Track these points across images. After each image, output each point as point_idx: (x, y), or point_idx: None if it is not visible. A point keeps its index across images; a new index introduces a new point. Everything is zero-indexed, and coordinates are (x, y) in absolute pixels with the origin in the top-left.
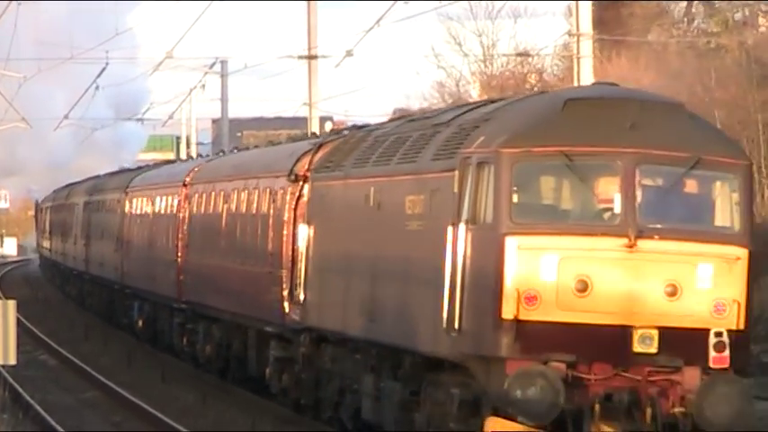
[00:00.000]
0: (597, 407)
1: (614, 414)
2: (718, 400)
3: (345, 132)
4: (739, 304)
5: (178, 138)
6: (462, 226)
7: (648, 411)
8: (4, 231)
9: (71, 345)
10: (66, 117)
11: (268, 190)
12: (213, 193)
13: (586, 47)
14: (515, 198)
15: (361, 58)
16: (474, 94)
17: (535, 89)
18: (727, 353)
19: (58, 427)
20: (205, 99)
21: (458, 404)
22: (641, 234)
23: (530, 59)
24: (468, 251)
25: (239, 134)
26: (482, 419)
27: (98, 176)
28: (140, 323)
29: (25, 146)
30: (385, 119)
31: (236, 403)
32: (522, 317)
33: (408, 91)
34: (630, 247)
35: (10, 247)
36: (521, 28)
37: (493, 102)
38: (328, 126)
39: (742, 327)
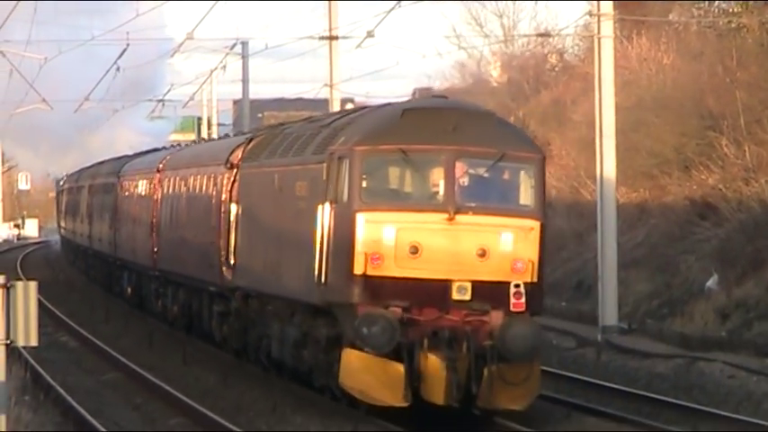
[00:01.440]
0: (426, 340)
1: (439, 346)
2: (515, 335)
3: (266, 130)
4: (533, 263)
5: (199, 119)
6: (327, 204)
7: (465, 344)
8: (25, 213)
9: (92, 326)
10: (86, 99)
11: (213, 176)
12: (177, 178)
13: (607, 27)
14: (364, 184)
15: (382, 39)
16: (495, 74)
17: (556, 69)
18: (523, 300)
19: (80, 409)
20: (226, 80)
21: (325, 340)
22: (459, 210)
23: (550, 40)
24: (331, 223)
25: (260, 115)
26: (340, 351)
27: (102, 162)
28: (129, 290)
29: (46, 127)
30: (405, 100)
31: (257, 384)
32: (369, 273)
33: (429, 71)
34: (450, 220)
35: (31, 229)
36: (541, 8)
37: (356, 111)
38: (349, 107)
39: (536, 280)
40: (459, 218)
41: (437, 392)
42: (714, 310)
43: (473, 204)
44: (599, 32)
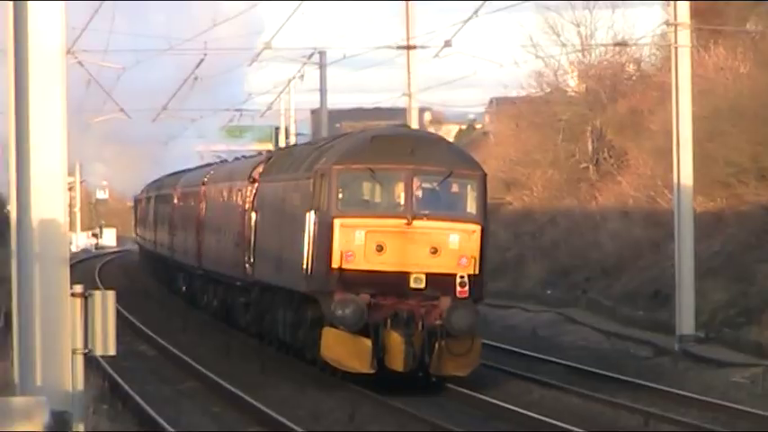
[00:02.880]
0: (388, 320)
1: (399, 325)
2: (459, 316)
3: (281, 150)
4: (475, 258)
5: (277, 128)
6: (312, 212)
7: (419, 323)
8: (103, 222)
9: (169, 335)
10: (164, 108)
11: (240, 189)
12: (216, 191)
13: (684, 36)
14: (340, 195)
15: (460, 48)
16: (572, 83)
17: (633, 79)
18: (466, 288)
19: (157, 418)
20: (304, 89)
21: (309, 321)
22: (415, 216)
23: (627, 49)
24: (315, 227)
25: (338, 125)
26: (321, 329)
27: (171, 174)
28: (183, 288)
29: (124, 137)
30: (482, 109)
31: (335, 392)
32: (343, 267)
33: (506, 80)
34: (408, 224)
35: (109, 238)
36: (618, 18)
37: (340, 136)
38: (427, 116)
39: (477, 272)
40: (416, 223)
41: (397, 362)
42: None
43: (427, 212)
44: (676, 42)
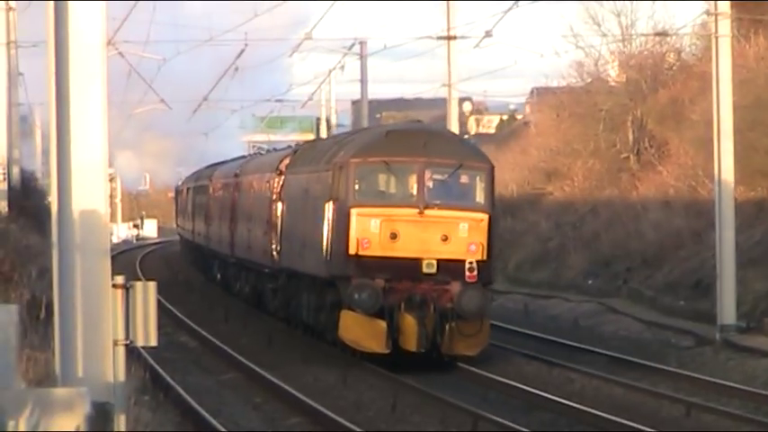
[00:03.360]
0: (402, 304)
1: (412, 308)
2: (469, 299)
3: (306, 143)
4: (483, 245)
5: (318, 119)
6: (331, 202)
7: (431, 306)
8: (144, 213)
9: (211, 325)
10: (205, 99)
11: (268, 180)
12: (247, 182)
13: (724, 26)
14: (357, 187)
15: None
16: (612, 73)
17: (674, 68)
18: (475, 273)
19: (199, 409)
20: (344, 80)
21: (329, 305)
22: (427, 206)
23: (668, 39)
24: (334, 216)
25: (378, 116)
26: (340, 312)
27: (209, 165)
28: (218, 276)
29: (165, 128)
30: (523, 99)
31: (377, 383)
32: (360, 253)
33: (547, 71)
34: (421, 213)
35: (150, 229)
36: (659, 7)
37: (358, 131)
38: (467, 107)
39: (485, 258)
40: (428, 212)
41: (411, 342)
42: None
43: (438, 202)
44: (716, 31)
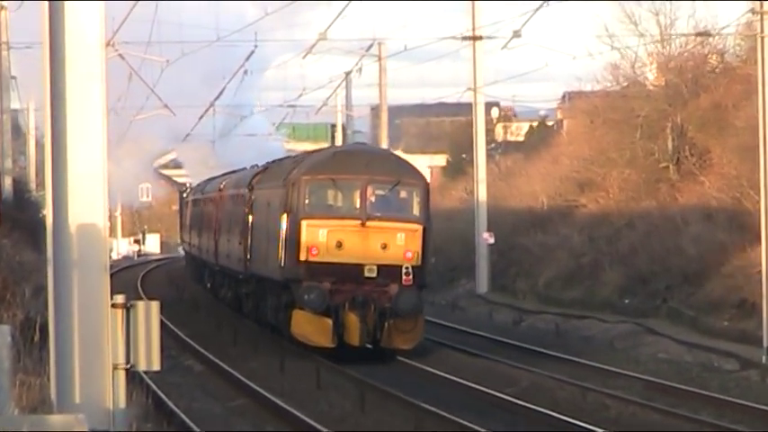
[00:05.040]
0: (347, 304)
1: (356, 307)
2: (405, 299)
3: (274, 162)
4: (418, 253)
5: (333, 126)
6: (286, 215)
7: (372, 306)
8: (146, 227)
9: (218, 349)
10: (212, 105)
11: (243, 195)
12: (228, 197)
13: None
14: (307, 201)
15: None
16: (650, 76)
17: (716, 71)
18: (411, 277)
19: None
20: (362, 84)
21: (284, 304)
22: (369, 218)
23: (710, 39)
24: (287, 226)
25: (398, 121)
26: (291, 311)
27: (208, 179)
28: (208, 285)
29: (169, 135)
30: (554, 104)
31: (396, 408)
32: (309, 259)
33: (580, 73)
34: (363, 225)
35: (152, 244)
36: (700, 6)
37: (311, 153)
38: (494, 113)
39: (420, 264)
40: (369, 223)
41: (354, 337)
42: None
43: (378, 214)
44: (762, 31)
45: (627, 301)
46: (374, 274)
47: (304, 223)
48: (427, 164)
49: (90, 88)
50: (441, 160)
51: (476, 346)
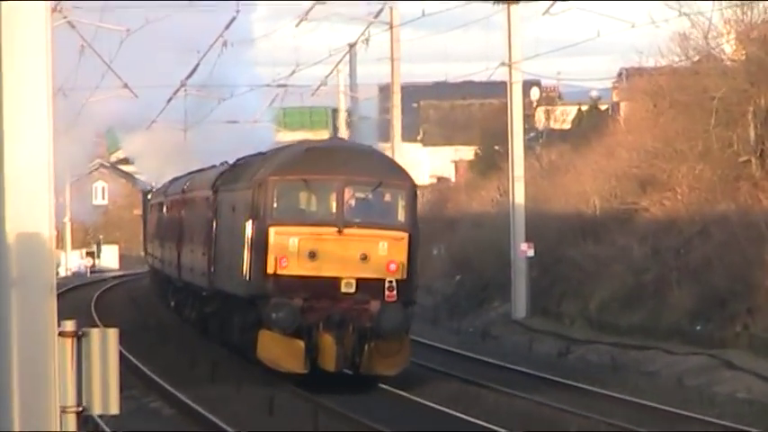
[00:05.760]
0: (321, 323)
1: (331, 327)
2: (388, 318)
3: (241, 159)
4: (403, 264)
5: (334, 110)
6: (251, 221)
7: (350, 326)
8: (101, 237)
9: (193, 387)
10: (183, 85)
11: (206, 198)
12: (192, 200)
13: None
14: (275, 205)
15: (578, 3)
16: (728, 49)
17: None
18: (395, 292)
19: None
20: (369, 59)
21: (249, 324)
22: (346, 225)
23: None
24: (253, 234)
25: (415, 105)
26: (257, 332)
27: (174, 179)
28: (172, 304)
29: (129, 122)
30: (608, 83)
31: None
32: (278, 272)
33: (640, 45)
34: (340, 232)
35: (109, 258)
36: None
37: (281, 149)
38: (534, 93)
39: (405, 277)
40: (347, 230)
41: (329, 362)
42: None
43: (358, 220)
44: None
45: (699, 327)
46: (353, 290)
47: (272, 230)
48: (451, 158)
49: (32, 64)
50: (468, 153)
51: (513, 383)
